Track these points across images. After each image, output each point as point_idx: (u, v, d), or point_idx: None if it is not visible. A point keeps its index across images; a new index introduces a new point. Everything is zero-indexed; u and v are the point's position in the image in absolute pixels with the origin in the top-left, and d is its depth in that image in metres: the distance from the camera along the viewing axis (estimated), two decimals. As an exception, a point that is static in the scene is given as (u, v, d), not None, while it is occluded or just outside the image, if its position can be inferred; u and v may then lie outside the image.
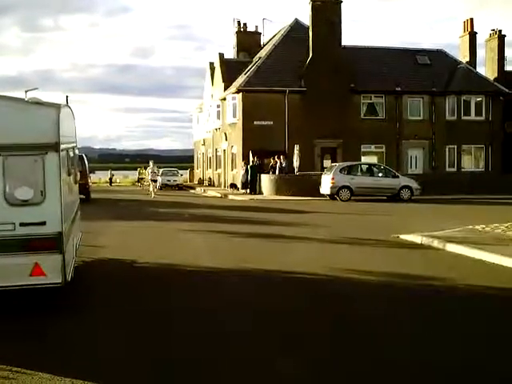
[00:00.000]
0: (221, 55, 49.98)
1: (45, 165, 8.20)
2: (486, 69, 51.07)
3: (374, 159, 43.32)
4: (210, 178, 54.76)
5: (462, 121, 44.60)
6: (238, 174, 42.85)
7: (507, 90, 45.56)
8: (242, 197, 36.46)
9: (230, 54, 54.61)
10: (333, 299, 9.60)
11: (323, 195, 33.34)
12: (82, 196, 23.01)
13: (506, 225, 17.43)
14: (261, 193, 37.88)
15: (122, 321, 8.39)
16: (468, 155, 45.96)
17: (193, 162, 68.17)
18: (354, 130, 42.23)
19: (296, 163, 37.78)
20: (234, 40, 54.39)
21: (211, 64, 54.18)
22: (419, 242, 15.59)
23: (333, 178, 32.19)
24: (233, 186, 42.84)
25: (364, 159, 42.34)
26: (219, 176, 51.04)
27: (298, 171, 37.75)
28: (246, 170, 39.65)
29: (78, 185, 12.55)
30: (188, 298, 9.78)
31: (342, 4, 43.19)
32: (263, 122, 41.70)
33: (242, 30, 53.70)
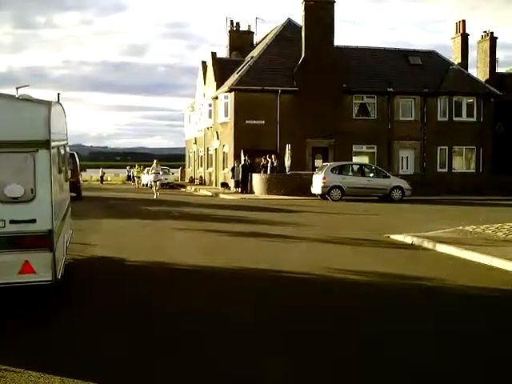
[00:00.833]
0: (213, 54, 49.96)
1: (35, 162, 8.17)
2: (478, 70, 51.26)
3: (365, 159, 43.41)
4: (201, 177, 54.71)
5: (454, 122, 44.75)
6: (229, 173, 42.83)
7: (498, 92, 45.77)
8: (233, 196, 36.44)
9: (223, 53, 54.69)
10: (322, 298, 9.60)
11: (314, 195, 33.38)
12: (73, 194, 22.95)
13: (497, 226, 17.49)
14: (252, 192, 37.87)
15: (111, 319, 8.36)
16: (459, 156, 46.11)
17: (184, 160, 68.12)
18: (345, 130, 42.30)
19: (287, 163, 37.81)
20: (226, 39, 54.39)
21: (204, 63, 54.15)
22: (410, 243, 15.62)
23: (324, 178, 32.22)
24: (224, 184, 42.82)
25: (355, 159, 42.43)
26: (210, 175, 51.02)
27: (290, 171, 37.79)
28: (233, 169, 39.71)
29: (68, 182, 12.51)
30: (177, 295, 9.75)
31: (335, 4, 43.28)
32: (255, 122, 41.72)
33: (234, 29, 53.73)
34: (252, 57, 45.52)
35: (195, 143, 58.60)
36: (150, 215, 23.83)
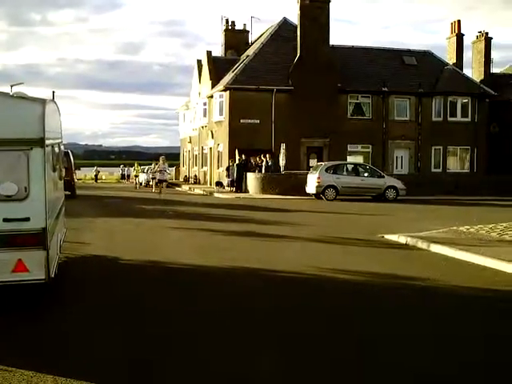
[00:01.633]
0: (208, 53, 49.93)
1: (29, 160, 8.14)
2: (473, 71, 51.40)
3: (360, 159, 43.48)
4: (195, 176, 54.69)
5: (448, 122, 44.85)
6: (224, 172, 42.82)
7: (493, 92, 45.89)
8: (227, 195, 36.43)
9: (219, 51, 54.64)
10: (315, 298, 9.60)
11: (309, 194, 33.39)
12: (68, 192, 22.91)
13: (491, 226, 17.52)
14: (247, 191, 37.86)
15: (104, 317, 8.34)
16: (453, 156, 46.22)
17: (179, 159, 68.09)
18: (340, 129, 42.38)
19: (282, 162, 37.82)
20: (222, 38, 54.36)
21: (199, 61, 54.11)
22: (404, 243, 15.63)
23: (319, 178, 32.23)
24: (218, 184, 42.80)
25: (350, 159, 42.50)
26: (205, 174, 51.01)
27: (284, 170, 37.79)
28: (228, 168, 39.70)
29: (63, 181, 12.48)
30: (170, 294, 9.74)
31: (331, 4, 43.32)
32: (250, 121, 41.74)
33: (230, 28, 53.73)
34: (247, 56, 45.51)
35: (190, 142, 58.57)
36: (144, 214, 23.81)
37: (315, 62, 41.73)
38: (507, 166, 44.49)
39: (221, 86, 43.83)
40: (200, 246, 14.98)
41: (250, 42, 53.01)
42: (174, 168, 67.56)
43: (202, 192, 40.88)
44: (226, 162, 42.51)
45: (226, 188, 40.52)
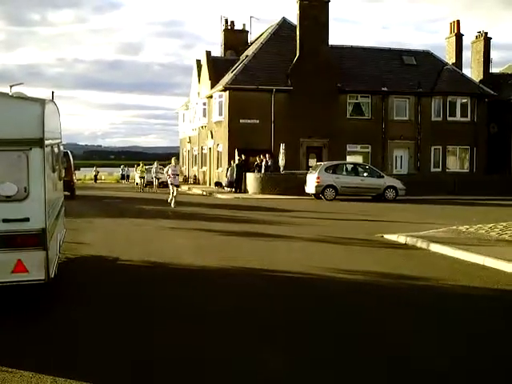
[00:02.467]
0: (208, 53, 49.91)
1: (29, 161, 8.14)
2: (472, 70, 51.39)
3: (359, 159, 43.43)
4: (195, 176, 54.70)
5: (448, 122, 44.82)
6: (223, 172, 42.83)
7: (492, 92, 45.87)
8: (227, 195, 36.42)
9: (218, 51, 54.62)
10: (316, 298, 9.60)
11: (308, 194, 33.39)
12: (67, 193, 22.92)
13: (490, 225, 17.53)
14: (246, 191, 37.86)
15: (104, 318, 8.34)
16: (453, 156, 46.19)
17: (179, 159, 68.08)
18: (339, 129, 42.34)
19: (281, 162, 37.81)
20: (221, 38, 54.34)
21: (198, 62, 54.11)
22: (403, 242, 15.64)
23: (318, 178, 32.23)
24: (218, 184, 42.78)
25: (349, 159, 42.43)
26: (204, 174, 51.00)
27: (284, 170, 37.79)
28: (232, 169, 39.64)
29: (62, 181, 12.48)
30: (170, 296, 9.74)
31: (330, 4, 43.28)
32: (249, 121, 41.71)
33: (229, 28, 53.68)
34: (247, 56, 45.49)
35: (189, 142, 58.57)
36: (143, 214, 23.82)
37: (315, 61, 41.70)
38: (506, 166, 44.54)
39: (220, 86, 43.82)
40: (199, 247, 14.98)
41: (249, 42, 52.97)
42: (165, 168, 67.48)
43: (201, 192, 40.87)
44: (225, 162, 42.51)
45: (226, 188, 40.51)
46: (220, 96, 44.03)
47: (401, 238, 15.99)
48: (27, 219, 8.11)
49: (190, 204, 29.11)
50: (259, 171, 38.52)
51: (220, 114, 44.03)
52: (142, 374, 6.24)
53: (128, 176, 67.89)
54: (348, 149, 43.97)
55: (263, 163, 38.66)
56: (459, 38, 50.17)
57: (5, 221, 8.04)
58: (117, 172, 78.38)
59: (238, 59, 47.48)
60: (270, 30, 47.50)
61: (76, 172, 45.96)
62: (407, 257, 13.72)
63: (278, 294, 9.88)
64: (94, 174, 72.07)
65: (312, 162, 41.50)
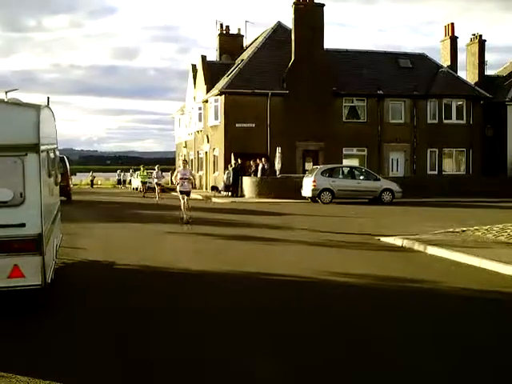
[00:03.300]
0: (203, 57, 49.96)
1: (24, 166, 8.14)
2: (467, 73, 51.49)
3: (355, 162, 43.48)
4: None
5: (443, 124, 44.88)
6: (219, 176, 42.81)
7: (487, 94, 45.94)
8: (223, 199, 36.42)
9: (213, 56, 54.64)
10: (313, 301, 9.60)
11: (305, 198, 33.38)
12: (63, 198, 22.91)
13: (486, 227, 17.55)
14: (242, 195, 37.85)
15: (101, 323, 8.34)
16: (449, 158, 46.24)
17: (174, 164, 68.08)
18: (335, 132, 42.39)
19: (278, 166, 37.84)
20: (216, 42, 54.38)
21: (194, 66, 54.13)
22: (400, 245, 15.65)
23: (314, 181, 32.25)
24: (214, 188, 42.75)
25: (346, 162, 42.43)
26: (201, 178, 50.97)
27: (280, 174, 37.80)
28: (228, 173, 39.62)
29: (58, 186, 12.48)
30: (167, 299, 9.73)
31: (325, 7, 43.40)
32: (245, 125, 41.73)
33: (224, 32, 53.70)
34: (242, 60, 45.53)
35: (185, 147, 58.58)
36: (140, 219, 23.80)
37: (310, 65, 41.75)
38: (502, 168, 44.61)
39: (216, 90, 43.85)
40: (196, 251, 14.98)
41: (244, 46, 53.00)
42: (169, 173, 67.50)
43: (198, 196, 40.83)
44: (221, 166, 42.50)
45: (222, 192, 40.48)
46: (216, 100, 44.05)
47: (397, 241, 15.99)
48: (23, 225, 8.11)
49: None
50: (255, 175, 38.52)
51: (216, 118, 44.04)
52: (138, 377, 6.23)
53: (124, 181, 67.85)
54: (344, 152, 44.01)
55: (259, 167, 38.66)
56: (454, 40, 50.27)
57: (1, 226, 8.04)
58: (113, 177, 78.37)
59: (234, 63, 47.52)
60: (265, 35, 47.54)
61: (72, 177, 45.87)
62: (404, 259, 13.73)
63: (275, 298, 9.86)
64: (91, 179, 72.07)
65: (308, 165, 41.55)
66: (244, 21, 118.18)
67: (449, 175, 44.06)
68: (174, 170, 35.30)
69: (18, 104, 8.65)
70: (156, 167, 40.72)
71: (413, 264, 13.10)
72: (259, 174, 38.41)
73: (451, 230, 17.60)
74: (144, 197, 41.54)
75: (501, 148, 45.70)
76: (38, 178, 8.25)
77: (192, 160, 55.35)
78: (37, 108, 8.52)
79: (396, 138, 44.53)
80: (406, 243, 15.58)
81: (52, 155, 10.53)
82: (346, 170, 34.93)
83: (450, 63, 49.23)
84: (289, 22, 44.87)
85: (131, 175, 64.15)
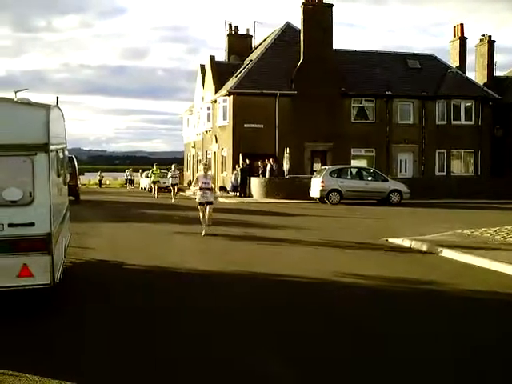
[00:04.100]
0: (212, 58, 49.99)
1: (34, 166, 8.16)
2: (476, 74, 51.37)
3: (363, 163, 43.40)
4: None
5: (452, 125, 44.76)
6: (227, 176, 42.82)
7: (496, 95, 45.80)
8: (231, 199, 36.42)
9: (222, 56, 54.68)
10: (322, 302, 9.60)
11: (313, 198, 33.36)
12: (72, 197, 22.96)
13: (495, 229, 17.50)
14: (250, 196, 37.85)
15: (109, 323, 8.35)
16: (457, 159, 46.11)
17: (183, 164, 68.15)
18: (344, 133, 42.35)
19: (286, 166, 37.80)
20: (225, 43, 54.41)
21: (202, 66, 54.22)
22: (408, 246, 15.62)
23: (322, 182, 32.23)
24: (222, 188, 42.75)
25: (354, 163, 42.36)
26: (195, 178, 50.82)
27: (288, 174, 37.76)
28: (236, 173, 39.61)
29: (67, 186, 12.51)
30: (176, 299, 9.74)
31: (334, 8, 43.35)
32: (253, 125, 41.72)
33: (233, 32, 53.71)
34: (251, 60, 45.54)
35: (194, 147, 58.61)
36: (148, 219, 23.83)
37: (318, 66, 41.70)
38: (511, 169, 44.42)
39: (224, 90, 43.87)
40: (204, 251, 14.99)
41: (253, 46, 53.01)
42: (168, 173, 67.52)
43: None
44: (229, 166, 42.50)
45: (230, 193, 40.48)
46: (224, 100, 44.07)
47: (406, 242, 15.97)
48: (32, 224, 8.13)
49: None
50: (263, 175, 38.52)
51: (224, 118, 44.06)
52: (145, 376, 6.24)
53: (133, 181, 67.80)
54: (352, 153, 43.95)
55: (267, 167, 38.65)
56: (463, 41, 50.18)
57: (10, 225, 8.07)
58: (121, 177, 78.37)
59: (242, 64, 47.55)
60: (273, 35, 47.54)
61: (80, 177, 45.87)
62: (412, 261, 13.70)
63: (281, 298, 9.86)
64: (99, 178, 72.14)
65: (316, 166, 41.50)
66: (253, 21, 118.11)
67: (457, 176, 43.93)
68: (182, 169, 35.38)
69: (27, 104, 8.68)
70: (173, 166, 39.52)
71: (421, 265, 13.07)
72: (267, 175, 38.40)
73: (459, 231, 17.56)
74: (155, 197, 39.08)
75: (510, 149, 45.52)
76: (47, 178, 8.28)
77: (200, 160, 55.35)
78: (46, 108, 8.55)
79: (404, 139, 44.45)
80: (414, 244, 15.56)
81: (61, 155, 10.55)
82: (354, 171, 34.87)
83: (458, 64, 49.12)
84: (298, 23, 44.87)
85: (140, 175, 64.13)
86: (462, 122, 45.06)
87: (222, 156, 46.14)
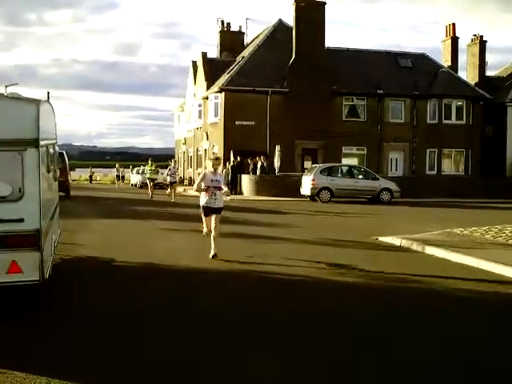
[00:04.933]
0: (204, 54, 49.96)
1: (23, 161, 8.11)
2: (467, 73, 51.53)
3: (354, 161, 43.53)
4: (190, 177, 54.66)
5: (443, 124, 44.92)
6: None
7: (487, 95, 45.97)
8: (222, 196, 36.27)
9: (214, 53, 54.65)
10: (310, 300, 9.60)
11: (303, 196, 33.40)
12: (62, 193, 22.88)
13: (484, 228, 17.55)
14: (241, 193, 37.84)
15: (98, 320, 8.33)
16: (448, 158, 46.28)
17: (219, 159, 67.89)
18: (335, 131, 42.42)
19: (277, 164, 37.83)
20: (217, 39, 54.36)
21: (194, 63, 54.17)
22: (398, 245, 15.65)
23: (313, 179, 32.27)
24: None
25: (345, 161, 42.50)
26: (199, 175, 50.88)
27: (279, 172, 37.80)
28: (226, 170, 39.58)
29: (57, 182, 12.45)
30: (165, 297, 9.72)
31: (327, 6, 43.40)
32: (245, 122, 41.74)
33: (225, 29, 53.74)
34: (243, 57, 45.54)
35: (185, 143, 58.56)
36: (139, 215, 23.78)
37: (310, 64, 41.74)
38: (501, 169, 44.63)
39: (216, 87, 43.84)
40: (194, 248, 14.95)
41: (245, 43, 53.03)
42: (167, 169, 67.38)
43: (196, 193, 40.70)
44: (220, 163, 42.45)
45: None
46: (216, 97, 44.05)
47: (395, 241, 16.00)
48: (22, 220, 8.08)
49: (185, 205, 29.07)
50: (254, 173, 38.50)
51: (216, 115, 44.05)
52: (138, 373, 6.23)
53: (123, 177, 67.56)
54: (343, 151, 44.08)
55: (258, 165, 38.65)
56: (455, 40, 50.34)
57: (-1, 221, 8.01)
58: (112, 173, 78.16)
59: (234, 61, 47.51)
60: (266, 32, 47.55)
61: (71, 172, 45.66)
62: (402, 259, 13.73)
63: (269, 296, 9.87)
64: (90, 174, 71.99)
65: (307, 163, 41.55)
66: (245, 18, 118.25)
67: (448, 175, 44.13)
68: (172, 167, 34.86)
69: (17, 98, 8.62)
70: (172, 162, 37.22)
71: (410, 264, 13.09)
72: (258, 172, 38.39)
73: (449, 230, 17.61)
74: (151, 197, 35.07)
75: (500, 149, 45.72)
76: (37, 173, 8.22)
77: (191, 157, 55.31)
78: (36, 103, 8.49)
79: (396, 138, 44.56)
80: (404, 243, 15.58)
81: (51, 150, 10.50)
82: (345, 169, 34.93)
83: (450, 63, 49.28)
84: (290, 20, 44.91)
85: (131, 171, 63.94)
86: (453, 121, 45.23)
87: (213, 153, 46.07)
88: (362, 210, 27.79)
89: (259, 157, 39.01)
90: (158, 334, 7.66)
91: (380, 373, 6.37)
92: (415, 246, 15.01)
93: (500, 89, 47.57)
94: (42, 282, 8.28)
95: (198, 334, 7.68)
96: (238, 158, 39.60)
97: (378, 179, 33.49)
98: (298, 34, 42.74)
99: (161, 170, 46.26)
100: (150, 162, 37.07)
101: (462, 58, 52.45)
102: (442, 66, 47.98)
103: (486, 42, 51.11)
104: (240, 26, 54.25)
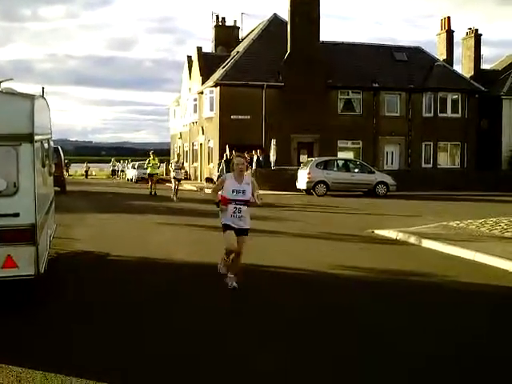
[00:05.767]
0: (199, 49, 49.87)
1: (18, 156, 8.10)
2: (463, 67, 51.56)
3: (350, 155, 43.52)
4: (186, 172, 54.56)
5: (439, 118, 44.93)
6: (214, 167, 42.78)
7: (483, 88, 45.98)
8: (218, 191, 36.24)
9: (209, 47, 54.56)
10: (306, 294, 9.60)
11: (299, 190, 33.43)
12: (57, 188, 22.84)
13: (480, 221, 17.58)
14: (237, 187, 37.68)
15: (94, 314, 8.33)
16: (444, 152, 46.32)
17: (169, 155, 67.97)
18: (330, 125, 42.39)
19: (273, 158, 37.80)
20: (212, 34, 54.26)
21: (189, 57, 54.08)
22: (394, 238, 15.67)
23: (309, 173, 32.29)
24: (208, 179, 42.68)
25: (340, 155, 42.49)
26: (195, 170, 50.95)
27: (275, 166, 37.77)
28: (221, 164, 39.53)
29: (52, 177, 12.43)
30: (161, 291, 9.71)
31: (321, 0, 43.30)
32: (240, 117, 41.68)
33: (220, 24, 53.61)
34: (238, 52, 45.47)
35: (180, 138, 58.50)
36: (135, 210, 23.77)
37: (305, 57, 41.68)
38: (496, 162, 44.68)
39: (211, 81, 43.77)
40: (191, 242, 14.96)
41: (240, 38, 52.93)
42: (164, 164, 67.43)
43: (192, 188, 40.81)
44: (216, 157, 42.46)
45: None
46: (211, 92, 43.99)
47: (392, 234, 16.02)
48: (17, 214, 8.07)
49: (181, 199, 29.07)
50: (250, 166, 38.42)
51: (211, 109, 43.99)
52: (133, 368, 6.23)
53: (122, 171, 67.45)
54: (339, 144, 44.06)
55: (254, 159, 38.59)
56: (450, 34, 50.34)
57: (-6, 216, 8.00)
58: (107, 168, 78.10)
59: (229, 55, 47.43)
60: (261, 26, 47.48)
61: (67, 168, 45.63)
62: (398, 252, 13.75)
63: (265, 289, 9.88)
64: (85, 169, 71.93)
65: (303, 157, 41.54)
66: (240, 12, 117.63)
67: (443, 168, 44.19)
68: (169, 162, 34.54)
69: (12, 94, 8.61)
70: (176, 156, 35.03)
71: (407, 257, 13.12)
72: (254, 166, 38.33)
73: (445, 223, 17.63)
74: (153, 194, 32.40)
75: (495, 142, 45.77)
76: (32, 168, 8.21)
77: (187, 151, 55.25)
78: (31, 98, 8.48)
79: (391, 131, 44.56)
80: (400, 236, 15.61)
81: (46, 145, 10.48)
82: (340, 163, 34.96)
83: (445, 57, 49.29)
84: (285, 14, 44.84)
85: (127, 165, 63.91)
86: (449, 114, 45.24)
87: (209, 147, 46.08)
88: (357, 203, 27.81)
89: (255, 151, 38.95)
90: (156, 328, 7.65)
91: (381, 369, 6.38)
92: (411, 239, 15.03)
93: (495, 82, 47.59)
94: (37, 276, 8.28)
95: (196, 330, 7.68)
96: (234, 152, 39.44)
97: (373, 173, 33.52)
98: (293, 28, 42.67)
99: (162, 165, 44.71)
100: (151, 155, 34.18)
101: (457, 52, 52.60)
102: (437, 60, 47.97)
103: (481, 35, 51.16)
104: (235, 21, 54.18)
